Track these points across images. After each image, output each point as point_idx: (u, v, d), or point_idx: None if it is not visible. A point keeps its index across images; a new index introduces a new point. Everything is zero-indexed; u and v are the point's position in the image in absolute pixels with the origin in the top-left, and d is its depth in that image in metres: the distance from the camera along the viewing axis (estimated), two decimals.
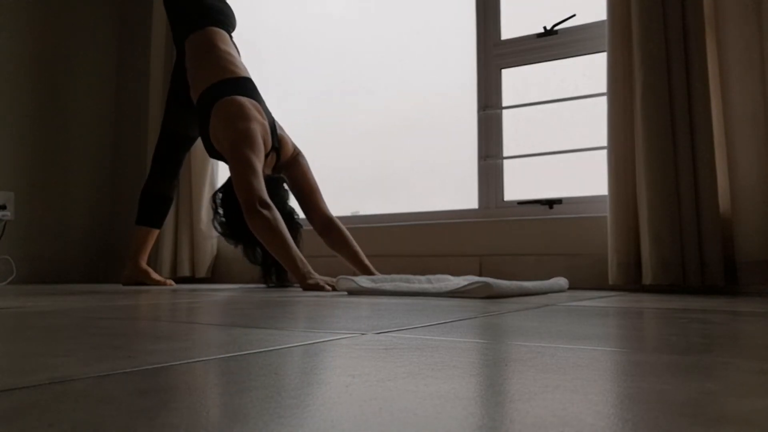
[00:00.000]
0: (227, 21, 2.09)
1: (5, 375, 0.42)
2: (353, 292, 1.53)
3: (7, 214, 2.57)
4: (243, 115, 1.81)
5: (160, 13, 2.75)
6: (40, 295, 1.51)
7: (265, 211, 1.70)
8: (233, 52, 2.04)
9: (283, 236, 1.72)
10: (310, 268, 1.74)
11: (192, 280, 2.61)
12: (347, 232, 1.99)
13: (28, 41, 2.71)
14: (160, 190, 2.13)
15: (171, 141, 2.12)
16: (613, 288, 1.79)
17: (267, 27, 2.69)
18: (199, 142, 2.30)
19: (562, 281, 1.72)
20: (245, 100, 1.86)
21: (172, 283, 2.21)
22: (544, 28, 2.13)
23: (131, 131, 2.98)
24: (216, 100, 1.85)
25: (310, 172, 2.05)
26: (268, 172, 1.92)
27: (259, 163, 1.77)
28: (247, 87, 1.92)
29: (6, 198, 2.59)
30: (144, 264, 2.17)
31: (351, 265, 1.99)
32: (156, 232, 2.18)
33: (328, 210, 2.03)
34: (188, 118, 2.10)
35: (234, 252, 2.66)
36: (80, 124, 2.91)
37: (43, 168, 2.75)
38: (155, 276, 2.16)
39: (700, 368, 0.45)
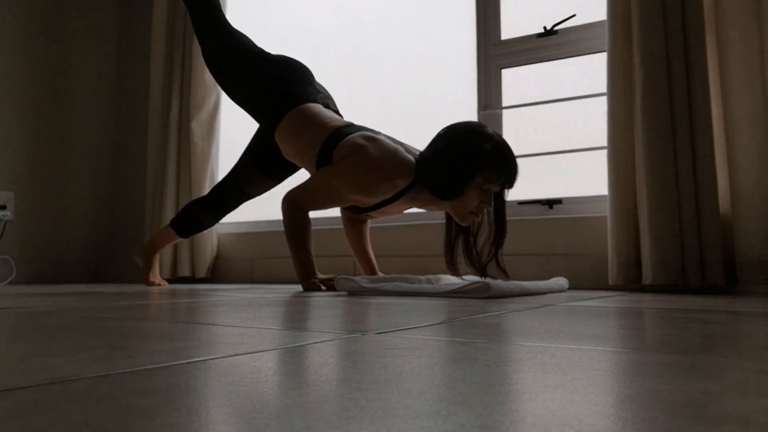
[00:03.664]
0: (328, 102, 1.98)
1: (5, 375, 0.42)
2: (353, 292, 1.53)
3: (7, 214, 2.57)
4: (380, 174, 1.66)
5: (160, 15, 2.75)
6: (40, 295, 1.51)
7: (297, 212, 1.73)
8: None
9: (304, 234, 1.73)
10: (315, 269, 1.74)
11: (192, 280, 2.61)
12: (368, 233, 1.99)
13: (29, 42, 2.71)
14: (206, 220, 2.12)
15: (233, 191, 2.10)
16: (613, 288, 1.79)
17: (267, 27, 2.69)
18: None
19: (562, 281, 1.72)
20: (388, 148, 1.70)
21: (166, 284, 2.21)
22: (544, 28, 2.13)
23: (131, 131, 2.98)
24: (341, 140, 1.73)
25: None
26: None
27: (334, 203, 1.78)
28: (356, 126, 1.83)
29: (6, 198, 2.59)
30: (156, 257, 2.18)
31: (356, 259, 1.99)
32: (180, 240, 2.19)
33: None
34: (257, 181, 2.07)
35: (234, 252, 2.66)
36: (80, 124, 2.91)
37: (43, 168, 2.75)
38: (153, 277, 2.16)
39: (700, 368, 0.45)
